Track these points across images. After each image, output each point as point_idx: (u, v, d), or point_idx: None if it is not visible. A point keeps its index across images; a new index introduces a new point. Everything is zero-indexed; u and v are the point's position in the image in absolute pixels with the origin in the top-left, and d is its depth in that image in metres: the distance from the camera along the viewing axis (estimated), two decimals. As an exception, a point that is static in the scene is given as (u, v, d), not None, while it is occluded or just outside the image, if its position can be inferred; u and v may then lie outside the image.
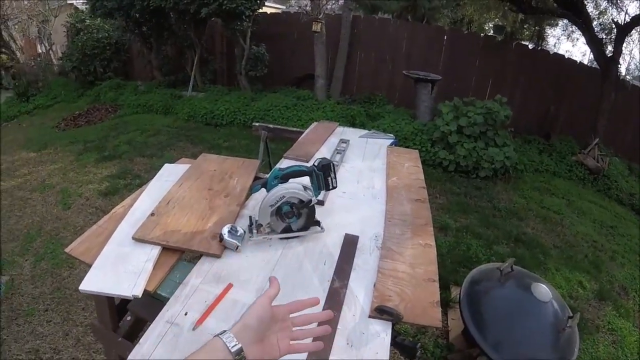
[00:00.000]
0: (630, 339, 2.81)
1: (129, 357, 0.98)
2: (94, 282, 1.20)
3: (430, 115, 5.86)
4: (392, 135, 2.75)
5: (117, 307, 1.60)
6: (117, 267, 1.25)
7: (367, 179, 2.01)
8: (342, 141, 2.46)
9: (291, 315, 0.80)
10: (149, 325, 1.08)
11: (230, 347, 0.68)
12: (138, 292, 1.15)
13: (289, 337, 0.78)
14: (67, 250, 1.36)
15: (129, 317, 1.63)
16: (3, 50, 8.61)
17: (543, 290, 2.05)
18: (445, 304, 2.80)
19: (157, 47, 7.81)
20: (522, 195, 4.82)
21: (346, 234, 1.51)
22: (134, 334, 1.60)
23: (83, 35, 8.36)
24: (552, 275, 3.33)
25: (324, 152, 2.32)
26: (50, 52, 10.08)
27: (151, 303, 1.23)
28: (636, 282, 3.46)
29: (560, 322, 1.98)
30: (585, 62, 7.89)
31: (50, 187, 4.24)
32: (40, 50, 10.12)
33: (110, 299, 1.49)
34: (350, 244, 1.46)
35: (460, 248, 3.55)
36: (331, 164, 1.40)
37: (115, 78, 8.34)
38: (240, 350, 0.69)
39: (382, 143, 2.55)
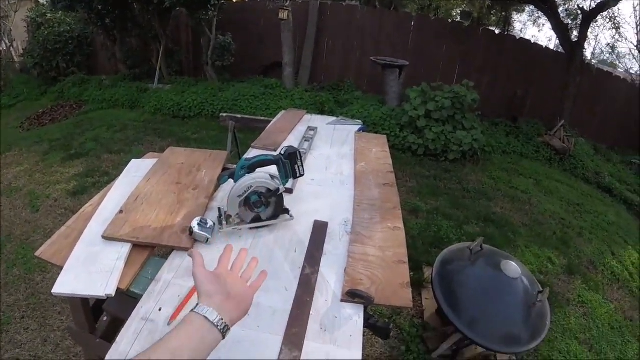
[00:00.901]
0: (600, 310, 2.93)
1: (107, 357, 0.98)
2: (66, 285, 1.18)
3: (398, 100, 5.93)
4: (360, 121, 2.78)
5: (92, 308, 1.59)
6: (89, 267, 1.23)
7: (335, 166, 2.04)
8: (310, 129, 2.47)
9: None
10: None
11: (212, 319, 0.70)
12: (111, 291, 1.14)
13: (244, 279, 0.85)
14: (37, 254, 1.33)
15: (105, 317, 1.61)
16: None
17: (512, 267, 2.11)
18: (419, 284, 2.89)
19: (121, 39, 7.58)
20: (490, 177, 4.95)
21: (315, 221, 1.54)
22: (112, 334, 1.58)
23: (44, 29, 8.01)
24: (521, 252, 3.45)
25: (292, 140, 2.33)
26: (11, 49, 9.60)
27: (126, 301, 1.23)
28: (604, 257, 3.61)
29: (531, 297, 2.06)
30: (552, 47, 8.11)
31: (17, 190, 4.09)
32: (0, 48, 9.62)
33: (84, 300, 1.48)
34: (320, 231, 1.49)
35: (431, 230, 3.63)
36: (297, 152, 1.41)
37: (78, 73, 8.06)
38: (220, 318, 0.71)
39: (350, 129, 2.57)
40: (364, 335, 1.12)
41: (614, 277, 3.38)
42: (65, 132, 5.76)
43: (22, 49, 9.33)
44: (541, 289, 2.10)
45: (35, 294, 2.68)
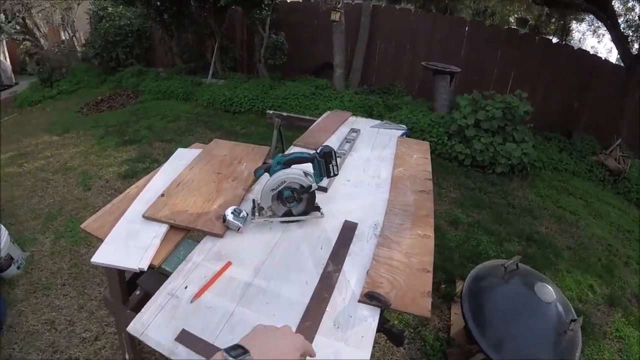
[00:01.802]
0: (636, 348, 2.73)
1: (131, 322, 1.06)
2: (104, 256, 1.29)
3: (448, 107, 5.79)
4: (404, 126, 2.75)
5: (127, 282, 1.71)
6: (127, 242, 1.34)
7: (373, 168, 2.04)
8: (353, 130, 2.49)
9: None
10: None
11: None
12: (144, 265, 1.23)
13: None
14: (82, 226, 1.46)
15: (139, 291, 1.73)
16: (27, 37, 8.83)
17: (547, 291, 2.00)
18: (450, 298, 2.81)
19: (178, 34, 7.89)
20: (538, 194, 4.71)
21: (346, 221, 1.56)
22: (142, 307, 1.70)
23: (105, 22, 8.49)
24: (562, 276, 3.25)
25: (334, 140, 2.36)
26: (74, 39, 10.28)
27: (159, 279, 1.31)
28: None
29: (563, 324, 1.94)
30: (613, 59, 7.61)
31: (72, 169, 4.40)
32: (63, 37, 10.33)
33: (121, 273, 1.59)
34: (348, 231, 1.51)
35: (470, 243, 3.51)
36: (332, 152, 1.44)
37: (137, 64, 8.48)
38: None
39: (392, 133, 2.57)
40: (380, 343, 1.13)
41: None
42: (121, 119, 6.10)
43: (84, 40, 9.96)
44: (575, 318, 1.97)
45: (78, 264, 2.88)
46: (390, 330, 1.27)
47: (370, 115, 5.58)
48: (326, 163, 1.44)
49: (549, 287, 2.04)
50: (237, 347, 0.65)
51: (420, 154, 2.28)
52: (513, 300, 2.06)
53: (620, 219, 4.55)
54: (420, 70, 6.61)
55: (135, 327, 1.06)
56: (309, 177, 1.43)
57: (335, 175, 1.48)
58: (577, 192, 4.95)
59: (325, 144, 2.25)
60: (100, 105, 7.09)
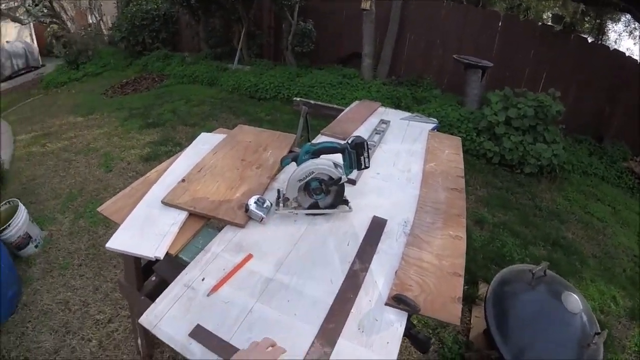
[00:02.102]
0: None
1: (144, 314, 1.00)
2: (120, 241, 1.23)
3: (478, 103, 5.61)
4: (435, 119, 2.63)
5: (143, 267, 1.66)
6: (144, 228, 1.28)
7: (403, 162, 1.94)
8: (383, 122, 2.38)
9: None
10: None
11: None
12: (160, 253, 1.17)
13: None
14: (99, 209, 1.41)
15: (154, 277, 1.68)
16: (54, 20, 8.91)
17: (574, 301, 1.91)
18: (471, 300, 2.72)
19: (205, 19, 7.84)
20: (566, 197, 4.56)
21: (374, 217, 1.47)
22: (157, 294, 1.65)
23: (132, 6, 8.52)
24: (586, 285, 3.15)
25: (363, 131, 2.26)
26: (101, 22, 10.33)
27: (176, 266, 1.26)
28: None
29: (587, 337, 1.86)
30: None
31: (94, 150, 4.42)
32: (90, 21, 10.38)
33: (137, 259, 1.54)
34: (377, 227, 1.42)
35: (494, 244, 3.41)
36: (365, 143, 1.35)
37: (163, 49, 8.47)
38: None
39: (423, 127, 2.45)
40: (402, 343, 1.05)
41: None
42: (145, 102, 6.11)
43: (111, 23, 10.01)
44: (599, 331, 1.87)
45: (95, 245, 2.87)
46: (416, 337, 1.19)
47: (398, 106, 5.44)
48: (357, 154, 1.35)
49: (576, 297, 1.95)
50: None
51: (452, 150, 2.16)
52: (538, 308, 1.97)
53: None
54: (450, 64, 6.41)
55: (148, 318, 1.00)
56: (339, 168, 1.34)
57: (366, 167, 1.39)
58: (606, 198, 4.79)
59: (354, 134, 2.16)
60: (125, 88, 7.12)
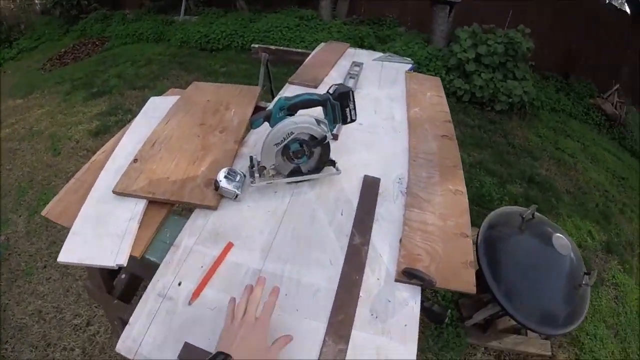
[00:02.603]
0: (631, 296, 2.77)
1: (119, 340, 0.81)
2: (73, 252, 0.99)
3: (445, 40, 5.42)
4: (409, 59, 2.40)
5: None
6: (98, 229, 1.04)
7: (385, 109, 1.73)
8: (355, 64, 2.13)
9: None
10: (144, 284, 0.90)
11: None
12: (122, 260, 0.95)
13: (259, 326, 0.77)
14: (43, 213, 1.14)
15: (123, 275, 1.45)
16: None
17: (564, 243, 1.89)
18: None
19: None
20: (537, 134, 4.63)
21: (365, 176, 1.29)
22: (130, 293, 1.44)
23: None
24: (563, 221, 3.24)
25: (335, 77, 2.01)
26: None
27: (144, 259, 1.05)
28: None
29: (577, 278, 1.86)
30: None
31: (39, 133, 3.97)
32: None
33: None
34: (370, 189, 1.24)
35: (473, 185, 3.41)
36: (350, 92, 1.12)
37: (101, 9, 7.70)
38: None
39: (399, 68, 2.22)
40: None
41: None
42: (87, 70, 5.57)
43: (41, -10, 8.95)
44: (587, 271, 1.87)
45: (56, 242, 2.60)
46: (431, 309, 1.06)
47: (361, 47, 5.15)
48: (342, 106, 1.13)
49: (565, 238, 1.93)
50: (218, 354, 0.69)
51: (433, 92, 1.97)
52: (530, 251, 1.94)
53: (616, 165, 4.54)
54: (415, 0, 6.11)
55: (125, 345, 0.81)
56: (322, 125, 1.12)
57: (353, 120, 1.17)
58: (575, 134, 4.91)
59: (325, 80, 1.91)
60: (64, 58, 6.45)
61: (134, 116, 1.58)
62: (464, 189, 1.30)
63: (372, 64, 2.25)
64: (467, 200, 1.25)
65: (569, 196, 3.64)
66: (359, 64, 2.14)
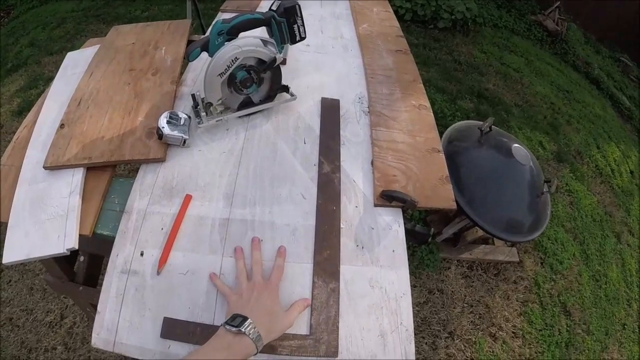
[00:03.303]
0: (585, 201, 2.93)
1: (93, 333, 0.72)
2: (16, 248, 0.85)
3: (383, -43, 5.12)
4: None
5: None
6: (37, 215, 0.89)
7: (332, 28, 1.59)
8: (291, -16, 1.94)
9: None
10: (106, 260, 0.81)
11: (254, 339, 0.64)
12: (72, 243, 0.82)
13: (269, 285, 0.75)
14: None
15: (82, 257, 1.31)
16: None
17: (523, 153, 1.94)
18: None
19: None
20: (481, 50, 4.64)
21: (323, 98, 1.19)
22: (95, 274, 1.32)
23: None
24: (515, 133, 3.32)
25: (271, 2, 1.82)
26: None
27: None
28: (590, 149, 3.53)
29: (538, 186, 1.93)
30: None
31: (-46, 130, 3.48)
32: None
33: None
34: (331, 111, 1.15)
35: (425, 103, 3.38)
36: (297, 6, 0.97)
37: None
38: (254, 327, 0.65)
39: (339, -14, 2.05)
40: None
41: (598, 170, 3.35)
42: (-5, 47, 4.89)
43: None
44: (548, 179, 1.94)
45: (2, 241, 2.35)
46: (413, 230, 1.03)
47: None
48: (289, 23, 0.98)
49: (524, 149, 1.98)
50: (234, 317, 0.66)
51: (380, 7, 1.83)
52: (491, 162, 1.98)
53: (559, 79, 4.64)
54: None
55: (100, 337, 0.72)
56: (269, 45, 0.98)
57: (302, 38, 1.03)
58: (518, 50, 4.95)
59: (261, 4, 1.71)
60: (-34, 39, 5.60)
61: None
62: (428, 104, 1.26)
63: (309, -17, 2.05)
64: (432, 115, 1.21)
65: (517, 109, 3.73)
66: (295, -16, 1.94)
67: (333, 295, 0.77)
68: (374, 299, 0.78)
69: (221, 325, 0.65)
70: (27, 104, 3.44)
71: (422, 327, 2.07)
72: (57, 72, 1.41)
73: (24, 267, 2.21)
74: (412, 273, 2.19)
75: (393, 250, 0.85)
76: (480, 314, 2.16)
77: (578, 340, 2.18)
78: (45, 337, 1.93)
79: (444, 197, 0.96)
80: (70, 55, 1.47)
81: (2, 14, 5.92)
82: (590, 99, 4.57)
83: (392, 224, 0.89)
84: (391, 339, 0.74)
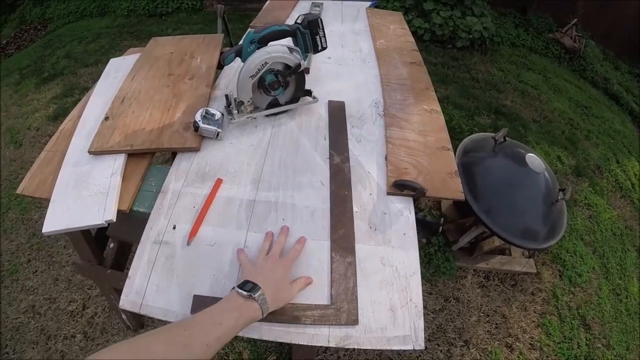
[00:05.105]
0: (604, 215, 2.90)
1: (122, 295, 0.80)
2: (57, 220, 0.95)
3: (401, -21, 5.29)
4: (370, -4, 2.36)
5: (95, 237, 1.39)
6: (80, 192, 1.00)
7: (351, 43, 1.72)
8: (315, 4, 2.09)
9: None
10: (135, 247, 0.89)
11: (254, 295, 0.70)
12: (111, 216, 0.92)
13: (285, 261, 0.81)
14: (18, 191, 1.08)
15: (112, 243, 1.42)
16: None
17: (537, 162, 1.97)
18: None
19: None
20: (499, 68, 4.66)
21: (329, 101, 1.31)
22: (123, 260, 1.42)
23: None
24: (532, 148, 3.29)
25: (297, 17, 1.97)
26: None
27: (132, 222, 1.02)
28: (609, 163, 3.50)
29: (553, 194, 1.95)
30: None
31: (-5, 130, 3.73)
32: None
33: (85, 232, 1.27)
34: (337, 110, 1.27)
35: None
36: (319, 20, 1.10)
37: (36, -9, 7.05)
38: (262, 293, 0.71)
39: (360, 5, 2.19)
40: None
41: (618, 184, 3.30)
42: (34, 57, 5.17)
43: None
44: (562, 187, 1.97)
45: (36, 233, 2.49)
46: (424, 220, 1.10)
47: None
48: (312, 34, 1.11)
49: (538, 157, 2.02)
50: (246, 282, 0.72)
51: (397, 25, 1.96)
52: (505, 171, 2.02)
53: (578, 95, 4.63)
54: None
55: (129, 299, 0.79)
56: (295, 53, 1.10)
57: (324, 48, 1.16)
58: (536, 67, 4.95)
59: (287, 21, 1.86)
60: (6, 49, 5.95)
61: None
62: (439, 109, 1.34)
63: (332, 3, 2.20)
64: (443, 118, 1.29)
65: (535, 125, 3.73)
66: (318, 4, 2.09)
67: (350, 268, 0.84)
68: (385, 275, 0.85)
69: (232, 288, 0.71)
70: (62, 110, 3.63)
71: (438, 335, 2.07)
72: (92, 82, 1.56)
73: (50, 259, 2.32)
74: (428, 280, 2.20)
75: (404, 233, 0.92)
76: (496, 323, 2.15)
77: (598, 354, 2.14)
78: (65, 326, 2.00)
79: (453, 189, 1.02)
80: (113, 61, 1.63)
81: (39, 27, 6.30)
82: (610, 114, 4.54)
83: (404, 210, 0.97)
84: (401, 314, 0.80)
